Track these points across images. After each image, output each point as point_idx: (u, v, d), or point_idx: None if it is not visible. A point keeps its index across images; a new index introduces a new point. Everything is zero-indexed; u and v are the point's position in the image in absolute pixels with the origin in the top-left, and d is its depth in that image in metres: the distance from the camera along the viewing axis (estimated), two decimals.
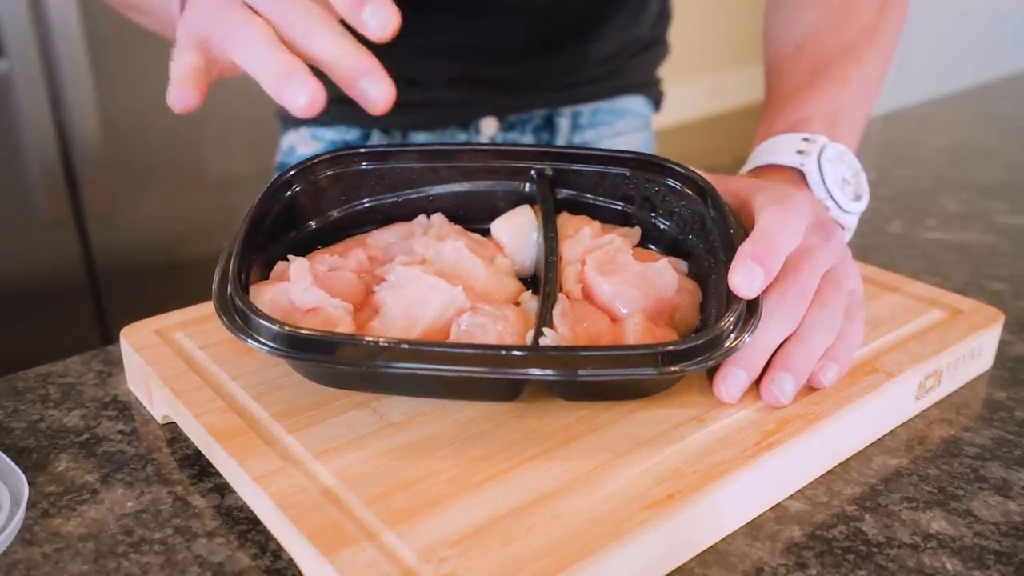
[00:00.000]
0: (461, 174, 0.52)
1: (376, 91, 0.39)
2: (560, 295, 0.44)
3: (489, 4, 0.78)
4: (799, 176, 0.53)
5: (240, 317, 0.40)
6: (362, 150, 0.51)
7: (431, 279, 0.44)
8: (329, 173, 0.51)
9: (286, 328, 0.38)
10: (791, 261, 0.44)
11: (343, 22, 0.40)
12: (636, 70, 0.92)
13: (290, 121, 0.90)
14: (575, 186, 0.52)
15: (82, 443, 0.45)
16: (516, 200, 0.52)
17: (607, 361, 0.37)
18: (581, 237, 0.49)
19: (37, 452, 0.44)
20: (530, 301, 0.46)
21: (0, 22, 1.24)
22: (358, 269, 0.47)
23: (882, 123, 1.11)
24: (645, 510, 0.35)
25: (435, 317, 0.43)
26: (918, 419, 0.48)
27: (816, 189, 0.52)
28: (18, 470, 0.41)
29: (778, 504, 0.41)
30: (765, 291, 0.43)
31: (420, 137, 0.85)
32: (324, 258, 0.47)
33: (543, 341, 0.41)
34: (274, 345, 0.38)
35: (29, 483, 0.41)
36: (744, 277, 0.41)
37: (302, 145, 0.88)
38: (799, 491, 0.42)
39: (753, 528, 0.39)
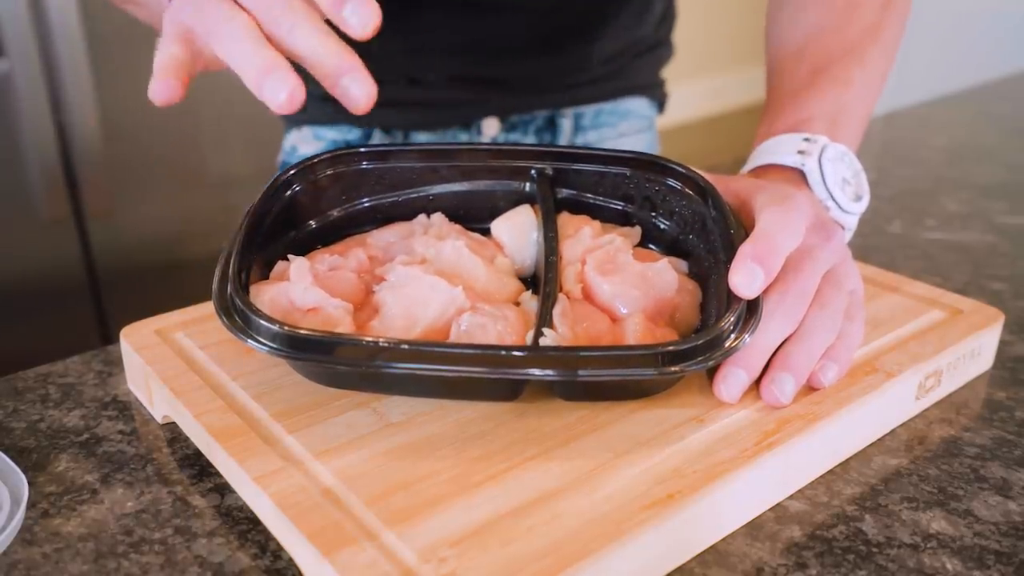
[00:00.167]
0: (461, 173, 0.52)
1: (358, 89, 0.39)
2: (560, 295, 0.44)
3: (487, 1, 0.78)
4: (800, 176, 0.53)
5: (240, 317, 0.40)
6: (362, 149, 0.51)
7: (431, 279, 0.44)
8: (329, 172, 0.51)
9: (286, 328, 0.38)
10: (791, 261, 0.44)
11: (329, 22, 0.40)
12: (639, 71, 0.91)
13: (292, 121, 0.90)
14: (575, 186, 0.52)
15: (82, 443, 0.45)
16: (516, 200, 0.52)
17: (607, 361, 0.37)
18: (581, 237, 0.49)
19: (37, 452, 0.44)
20: (530, 301, 0.46)
21: (0, 22, 1.24)
22: (358, 269, 0.47)
23: (882, 123, 1.11)
24: (645, 510, 0.35)
25: (435, 317, 0.43)
26: (918, 419, 0.48)
27: (816, 189, 0.52)
28: (18, 470, 0.41)
29: (778, 504, 0.41)
30: (765, 291, 0.43)
31: (422, 137, 0.85)
32: (324, 258, 0.47)
33: (543, 341, 0.41)
34: (274, 345, 0.38)
35: (29, 483, 0.41)
36: (744, 277, 0.41)
37: (304, 145, 0.88)
38: (799, 491, 0.42)
39: (753, 528, 0.39)
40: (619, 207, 0.52)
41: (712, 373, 0.43)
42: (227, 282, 0.41)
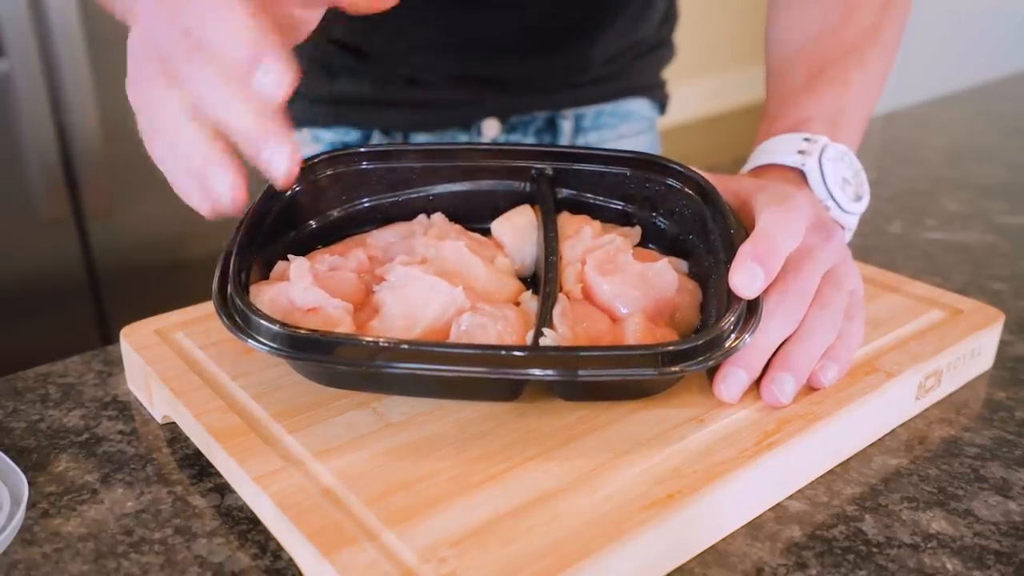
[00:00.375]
0: (461, 174, 0.52)
1: (278, 160, 0.37)
2: (560, 295, 0.44)
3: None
4: (800, 176, 0.53)
5: (240, 317, 0.40)
6: (362, 150, 0.51)
7: (431, 279, 0.44)
8: (329, 173, 0.51)
9: (286, 328, 0.38)
10: (791, 261, 0.44)
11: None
12: (640, 72, 0.91)
13: (292, 122, 0.90)
14: (575, 186, 0.52)
15: (82, 443, 0.45)
16: (516, 200, 0.52)
17: (607, 361, 0.37)
18: (581, 237, 0.49)
19: (37, 452, 0.44)
20: (530, 301, 0.46)
21: (0, 22, 1.24)
22: (358, 269, 0.47)
23: (882, 123, 1.11)
24: (645, 510, 0.35)
25: (435, 317, 0.43)
26: (918, 419, 0.48)
27: (817, 189, 0.52)
28: (18, 470, 0.41)
29: (778, 504, 0.41)
30: (765, 291, 0.43)
31: (421, 138, 0.85)
32: (324, 258, 0.47)
33: (543, 341, 0.41)
34: (274, 345, 0.38)
35: (29, 483, 0.41)
36: (744, 277, 0.41)
37: (303, 147, 0.88)
38: (799, 491, 0.42)
39: (753, 528, 0.39)
40: (619, 207, 0.52)
41: (712, 373, 0.43)
42: (227, 282, 0.41)
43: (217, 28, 0.36)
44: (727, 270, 0.42)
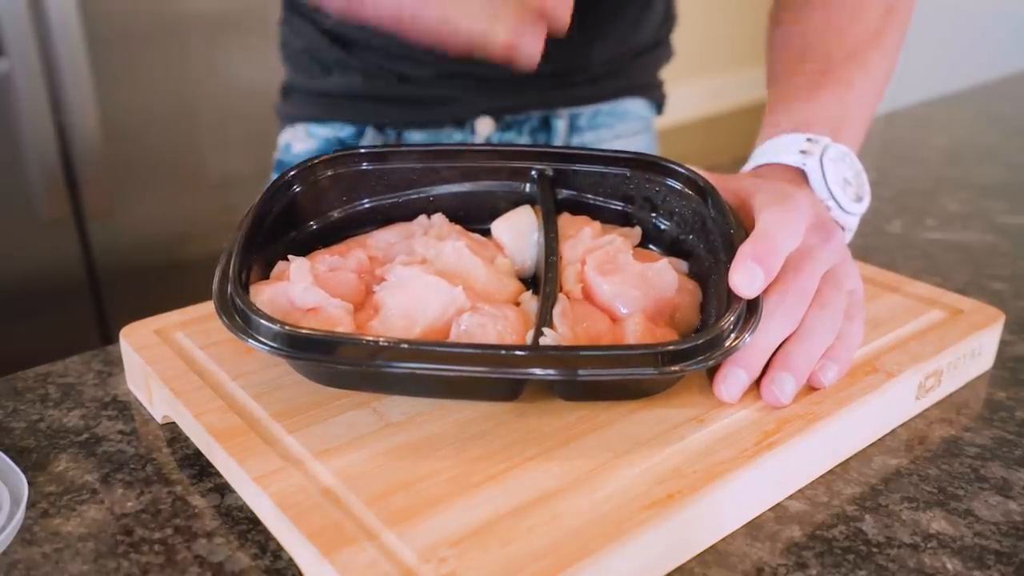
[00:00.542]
0: (462, 174, 0.52)
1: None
2: (560, 295, 0.44)
3: None
4: (801, 175, 0.53)
5: (240, 317, 0.40)
6: (362, 150, 0.51)
7: (431, 279, 0.44)
8: (329, 174, 0.51)
9: (286, 327, 0.38)
10: (791, 261, 0.44)
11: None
12: (638, 71, 0.91)
13: (287, 118, 0.91)
14: (576, 186, 0.52)
15: (82, 443, 0.45)
16: (517, 200, 0.52)
17: (607, 361, 0.37)
18: (582, 237, 0.49)
19: (37, 452, 0.44)
20: (530, 301, 0.46)
21: (0, 22, 1.24)
22: (358, 269, 0.47)
23: (882, 123, 1.11)
24: (645, 510, 0.35)
25: (435, 317, 0.43)
26: (918, 419, 0.48)
27: (818, 188, 0.52)
28: (18, 470, 0.41)
29: (778, 504, 0.41)
30: (765, 291, 0.43)
31: (415, 135, 0.85)
32: (324, 258, 0.47)
33: (543, 341, 0.41)
34: (274, 345, 0.38)
35: (29, 483, 0.41)
36: (744, 277, 0.41)
37: (297, 142, 0.88)
38: (799, 491, 0.42)
39: (753, 528, 0.39)
40: (619, 208, 0.52)
41: (712, 373, 0.43)
42: (227, 282, 0.41)
43: None
44: (727, 270, 0.42)
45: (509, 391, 0.41)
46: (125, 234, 1.46)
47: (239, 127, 1.52)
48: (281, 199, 0.49)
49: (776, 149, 0.54)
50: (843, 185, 0.52)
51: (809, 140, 0.53)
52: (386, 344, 0.37)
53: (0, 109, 1.28)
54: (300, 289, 0.43)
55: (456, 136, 0.85)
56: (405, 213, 0.52)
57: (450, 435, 0.40)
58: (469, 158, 0.52)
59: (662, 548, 0.36)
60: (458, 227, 0.51)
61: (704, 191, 0.48)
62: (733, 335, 0.40)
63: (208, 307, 0.50)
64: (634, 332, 0.43)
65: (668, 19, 0.93)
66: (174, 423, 0.46)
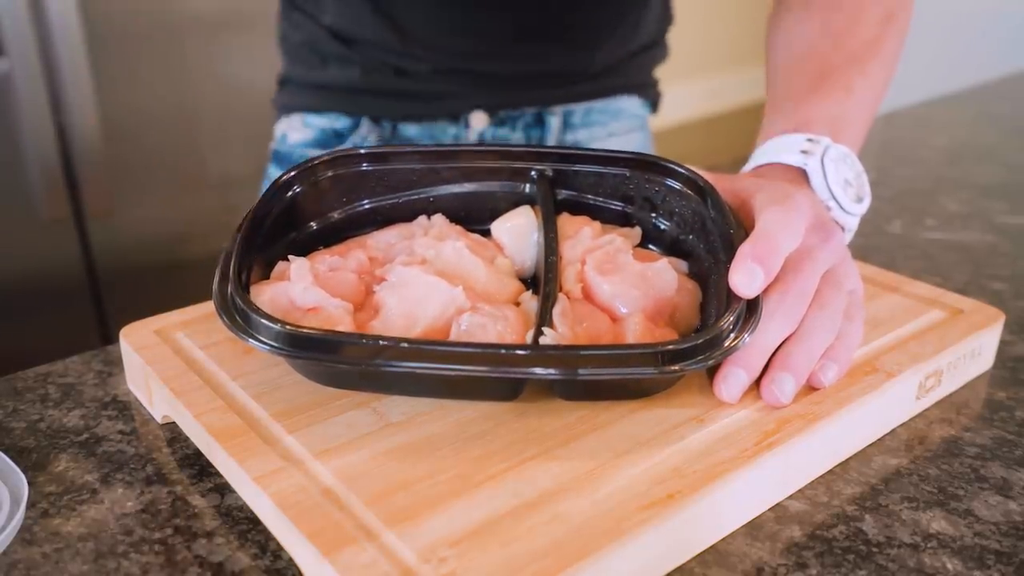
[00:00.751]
0: (462, 175, 0.52)
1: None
2: (560, 295, 0.44)
3: None
4: (802, 175, 0.53)
5: (240, 316, 0.40)
6: (362, 151, 0.51)
7: (431, 279, 0.44)
8: (329, 174, 0.51)
9: (287, 327, 0.38)
10: (791, 261, 0.44)
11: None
12: (633, 70, 0.91)
13: (283, 108, 0.91)
14: (575, 187, 0.52)
15: (82, 443, 0.45)
16: (516, 201, 0.52)
17: (607, 360, 0.37)
18: (581, 237, 0.49)
19: (37, 452, 0.44)
20: (530, 301, 0.46)
21: (0, 22, 1.24)
22: (358, 269, 0.47)
23: (882, 123, 1.11)
24: (645, 510, 0.35)
25: (435, 317, 0.43)
26: (918, 419, 0.48)
27: (818, 188, 0.52)
28: (18, 470, 0.41)
29: (778, 504, 0.41)
30: (765, 291, 0.43)
31: (410, 128, 0.85)
32: (324, 258, 0.47)
33: (543, 340, 0.41)
34: (275, 344, 0.38)
35: (29, 483, 0.41)
36: (744, 277, 0.41)
37: (293, 132, 0.88)
38: (799, 491, 0.42)
39: (753, 528, 0.39)
40: (619, 208, 0.52)
41: (712, 373, 0.43)
42: (227, 282, 0.41)
43: None
44: (727, 270, 0.42)
45: (509, 391, 0.41)
46: (125, 234, 1.46)
47: (239, 127, 1.52)
48: (281, 200, 0.49)
49: (777, 149, 0.54)
50: (844, 186, 0.52)
51: (810, 140, 0.53)
52: (386, 343, 0.37)
53: (0, 109, 1.28)
54: (300, 289, 0.43)
55: (450, 130, 0.85)
56: (405, 214, 0.52)
57: (450, 435, 0.40)
58: (469, 159, 0.52)
59: (662, 548, 0.36)
60: (458, 227, 0.51)
61: (704, 191, 0.48)
62: (733, 335, 0.40)
63: (208, 307, 0.50)
64: (634, 332, 0.43)
65: (665, 18, 0.93)
66: (174, 423, 0.46)
